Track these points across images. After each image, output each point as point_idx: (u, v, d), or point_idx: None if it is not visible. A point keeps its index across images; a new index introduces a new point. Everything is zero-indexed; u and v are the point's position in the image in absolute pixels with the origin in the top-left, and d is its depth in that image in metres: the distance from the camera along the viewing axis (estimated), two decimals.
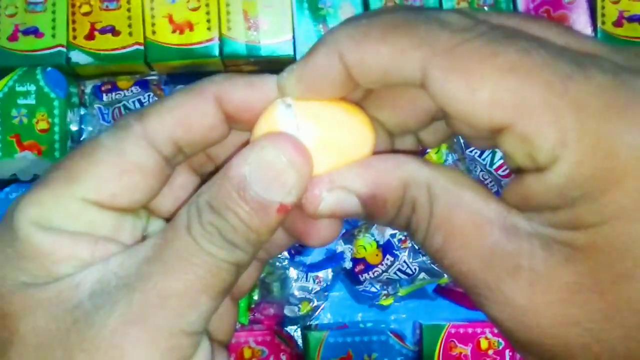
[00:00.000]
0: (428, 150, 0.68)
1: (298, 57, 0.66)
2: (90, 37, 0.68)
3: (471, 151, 0.67)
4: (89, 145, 0.23)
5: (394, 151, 0.25)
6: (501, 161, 0.66)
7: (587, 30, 0.69)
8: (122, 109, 0.68)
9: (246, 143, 0.23)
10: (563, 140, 0.18)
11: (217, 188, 0.21)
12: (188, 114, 0.23)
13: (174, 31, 0.68)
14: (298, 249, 0.67)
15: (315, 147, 0.22)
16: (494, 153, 0.66)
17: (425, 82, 0.19)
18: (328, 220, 0.24)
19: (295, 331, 0.70)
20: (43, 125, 0.66)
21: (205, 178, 0.23)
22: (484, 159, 0.67)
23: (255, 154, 0.21)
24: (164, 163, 0.23)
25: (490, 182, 0.67)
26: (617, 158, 0.17)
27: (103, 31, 0.68)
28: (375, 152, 0.23)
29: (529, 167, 0.19)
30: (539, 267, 0.19)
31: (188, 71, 0.69)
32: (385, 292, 0.68)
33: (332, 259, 0.68)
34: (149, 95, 0.68)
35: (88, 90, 0.69)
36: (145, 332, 0.20)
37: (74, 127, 0.68)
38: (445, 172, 0.21)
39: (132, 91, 0.68)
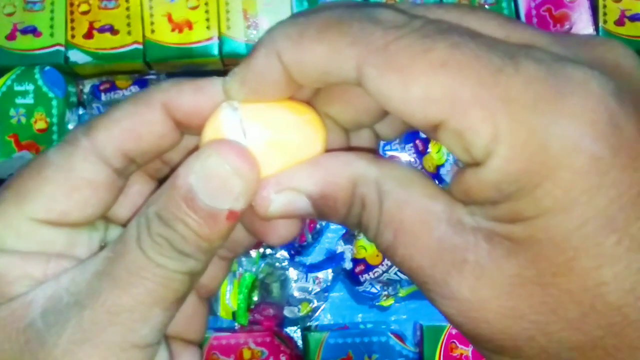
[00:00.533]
0: (429, 150, 0.68)
1: None
2: (88, 36, 0.67)
3: None
4: (37, 163, 0.23)
5: (350, 148, 0.24)
6: None
7: (589, 29, 0.69)
8: None
9: (197, 147, 0.22)
10: (495, 135, 0.18)
11: (165, 198, 0.21)
12: (136, 125, 0.23)
13: (173, 30, 0.67)
14: (298, 250, 0.67)
15: (264, 149, 0.22)
16: None
17: (361, 80, 0.19)
18: (284, 220, 0.24)
19: (295, 332, 0.69)
20: (41, 124, 0.66)
21: (162, 182, 0.23)
22: None
23: (200, 163, 0.21)
24: (115, 175, 0.23)
25: None
26: (548, 151, 0.17)
27: (102, 30, 0.68)
28: (330, 150, 0.23)
29: (468, 161, 0.19)
30: (483, 261, 0.19)
31: (187, 70, 0.69)
32: (386, 292, 0.67)
33: (332, 259, 0.68)
34: None
35: (86, 89, 0.69)
36: (96, 349, 0.20)
37: (72, 127, 0.68)
38: (395, 169, 0.21)
39: (130, 90, 0.68)
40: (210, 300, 0.27)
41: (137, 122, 0.23)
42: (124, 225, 0.25)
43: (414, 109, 0.19)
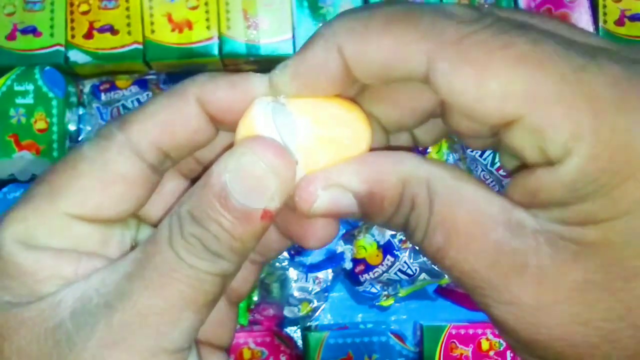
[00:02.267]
0: (429, 150, 0.67)
1: None
2: (88, 36, 0.67)
3: (472, 151, 0.67)
4: (72, 158, 0.22)
5: (390, 148, 0.24)
6: None
7: (589, 29, 0.69)
8: (120, 108, 0.67)
9: (232, 145, 0.22)
10: (576, 133, 0.17)
11: (198, 197, 0.21)
12: (171, 119, 0.22)
13: (173, 30, 0.67)
14: (298, 250, 0.67)
15: (312, 144, 0.22)
16: (494, 153, 0.66)
17: (430, 75, 0.19)
18: (324, 220, 0.23)
19: (295, 332, 0.69)
20: (41, 124, 0.66)
21: (195, 182, 0.23)
22: (485, 159, 0.66)
23: (234, 161, 0.20)
24: (149, 171, 0.23)
25: (492, 182, 0.67)
26: (632, 151, 0.17)
27: (102, 30, 0.68)
28: (372, 149, 0.22)
29: (538, 161, 0.18)
30: (546, 265, 0.18)
31: (187, 70, 0.69)
32: (386, 292, 0.67)
33: (332, 259, 0.68)
34: (147, 95, 0.68)
35: (86, 89, 0.69)
36: (125, 354, 0.20)
37: (72, 127, 0.68)
38: (446, 169, 0.21)
39: (130, 90, 0.68)
40: (238, 307, 0.27)
41: (171, 116, 0.22)
42: (156, 225, 0.25)
43: (489, 105, 0.18)
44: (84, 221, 0.22)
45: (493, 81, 0.18)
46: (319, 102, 0.22)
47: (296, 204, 0.21)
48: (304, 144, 0.21)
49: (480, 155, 0.66)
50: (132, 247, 0.23)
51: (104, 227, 0.22)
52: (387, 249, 0.66)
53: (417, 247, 0.21)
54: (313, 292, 0.66)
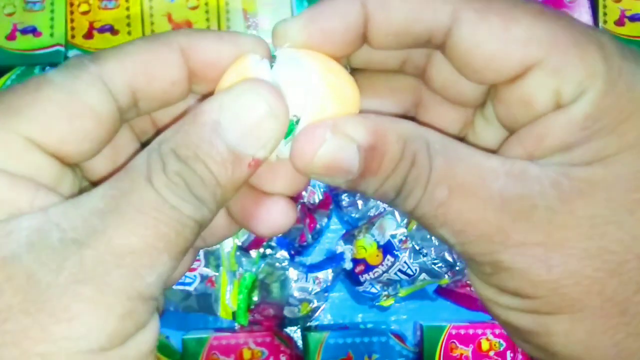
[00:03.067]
0: None
1: None
2: (88, 36, 0.67)
3: None
4: (35, 81, 0.20)
5: None
6: None
7: None
8: None
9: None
10: (591, 72, 0.19)
11: (185, 135, 0.19)
12: (151, 62, 0.20)
13: (173, 30, 0.67)
14: (298, 250, 0.67)
15: (324, 91, 0.21)
16: None
17: (454, 26, 0.20)
18: (282, 203, 0.22)
19: (295, 332, 0.69)
20: None
21: (145, 146, 0.21)
22: None
23: (232, 99, 0.19)
24: (117, 114, 0.20)
25: None
26: (635, 91, 0.19)
27: (102, 30, 0.68)
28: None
29: (548, 107, 0.20)
30: (554, 205, 0.19)
31: None
32: (386, 292, 0.67)
33: (332, 259, 0.68)
34: None
35: None
36: (100, 293, 0.18)
37: None
38: (441, 134, 0.21)
39: None
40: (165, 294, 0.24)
41: (152, 60, 0.21)
42: (96, 182, 0.22)
43: (513, 49, 0.19)
44: (44, 152, 0.20)
45: (518, 27, 0.19)
46: (322, 56, 0.21)
47: (294, 154, 0.20)
48: (315, 91, 0.21)
49: None
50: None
51: (60, 165, 0.20)
52: (387, 249, 0.66)
53: (406, 211, 0.21)
54: (313, 292, 0.66)
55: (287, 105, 0.20)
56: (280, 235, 0.25)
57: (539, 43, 0.19)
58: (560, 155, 0.20)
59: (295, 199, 0.65)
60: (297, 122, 0.21)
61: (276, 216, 0.22)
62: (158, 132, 0.23)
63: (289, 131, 0.21)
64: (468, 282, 0.67)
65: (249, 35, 0.22)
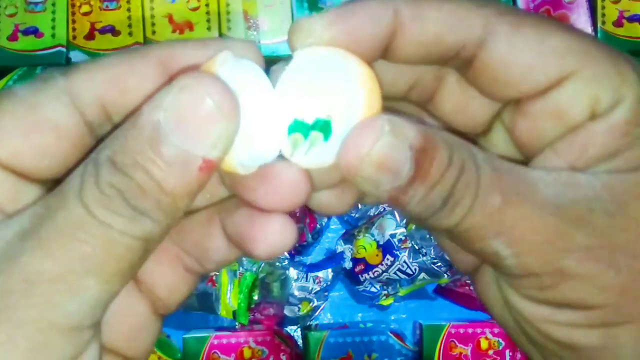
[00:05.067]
0: None
1: None
2: (90, 37, 0.67)
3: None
4: None
5: None
6: None
7: (588, 30, 0.69)
8: None
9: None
10: (626, 80, 0.20)
11: (123, 140, 0.17)
12: (123, 75, 0.19)
13: (174, 31, 0.67)
14: (298, 249, 0.67)
15: (362, 91, 0.19)
16: None
17: (487, 39, 0.20)
18: (278, 220, 0.20)
19: (295, 331, 0.70)
20: None
21: None
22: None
23: (172, 97, 0.17)
24: (85, 129, 0.19)
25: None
26: None
27: (103, 31, 0.68)
28: None
29: (584, 117, 0.20)
30: (610, 208, 0.19)
31: None
32: (385, 292, 0.67)
33: (332, 259, 0.68)
34: None
35: None
36: (3, 327, 0.16)
37: None
38: (477, 148, 0.21)
39: None
40: (163, 319, 0.23)
41: (125, 73, 0.19)
42: None
43: (550, 60, 0.20)
44: None
45: (552, 39, 0.20)
46: (355, 56, 0.20)
47: (346, 150, 0.19)
48: (354, 90, 0.19)
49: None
50: None
51: (18, 182, 0.19)
52: (386, 248, 0.66)
53: (450, 225, 0.19)
54: (313, 292, 0.66)
55: (237, 101, 0.18)
56: (279, 256, 0.22)
57: (574, 54, 0.20)
58: (605, 163, 0.20)
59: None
60: (329, 123, 0.20)
61: (273, 236, 0.20)
62: None
63: (324, 130, 0.20)
64: (467, 281, 0.67)
65: (238, 40, 0.20)
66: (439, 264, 0.65)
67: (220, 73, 0.18)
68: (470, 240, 0.20)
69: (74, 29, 0.68)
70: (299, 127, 0.20)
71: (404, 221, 0.66)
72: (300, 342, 0.69)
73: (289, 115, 0.20)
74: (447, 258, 0.65)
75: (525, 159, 0.22)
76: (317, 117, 0.20)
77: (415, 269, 0.65)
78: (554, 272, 0.19)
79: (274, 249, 0.20)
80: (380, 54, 0.20)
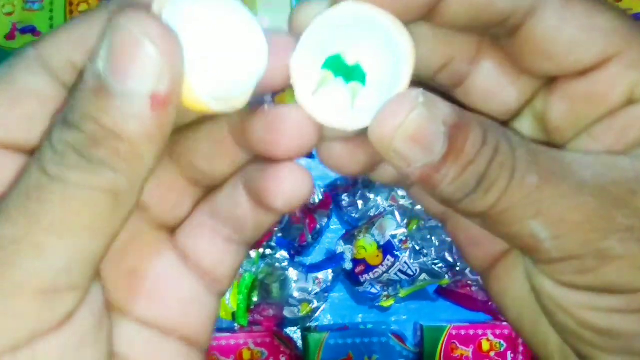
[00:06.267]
0: None
1: None
2: None
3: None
4: None
5: None
6: None
7: None
8: None
9: None
10: None
11: (72, 99, 0.17)
12: (86, 34, 0.18)
13: None
14: (298, 250, 0.67)
15: (412, 61, 0.19)
16: None
17: (537, 9, 0.19)
18: (290, 168, 0.20)
19: (295, 333, 0.69)
20: None
21: None
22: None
23: (107, 42, 0.16)
24: (65, 91, 0.19)
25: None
26: None
27: None
28: None
29: (622, 101, 0.20)
30: None
31: None
32: (386, 293, 0.67)
33: (332, 259, 0.67)
34: None
35: None
36: None
37: None
38: (506, 128, 0.20)
39: None
40: (220, 298, 0.23)
41: (88, 32, 0.18)
42: None
43: (596, 37, 0.19)
44: None
45: (601, 17, 0.19)
46: (394, 17, 0.19)
47: (379, 120, 0.18)
48: (407, 58, 0.19)
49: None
50: None
51: (6, 154, 0.19)
52: (387, 249, 0.65)
53: (484, 208, 0.19)
54: (313, 293, 0.66)
55: (174, 33, 0.17)
56: (298, 208, 0.21)
57: (620, 35, 0.19)
58: None
59: None
60: (364, 78, 0.19)
61: (287, 184, 0.20)
62: None
63: (346, 73, 0.19)
64: (469, 282, 0.67)
65: None
66: (440, 264, 0.65)
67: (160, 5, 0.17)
68: (506, 223, 0.19)
69: None
70: (336, 65, 0.20)
71: (405, 222, 0.65)
72: (300, 343, 0.68)
73: (319, 53, 0.19)
74: (449, 259, 0.65)
75: (556, 146, 0.21)
76: (359, 62, 0.19)
77: (416, 270, 0.65)
78: (594, 254, 0.19)
79: (291, 199, 0.20)
80: (423, 14, 0.19)
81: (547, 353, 0.22)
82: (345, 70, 0.20)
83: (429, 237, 0.64)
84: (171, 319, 0.21)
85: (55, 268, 0.17)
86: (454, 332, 0.66)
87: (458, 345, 0.66)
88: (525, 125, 0.22)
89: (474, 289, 0.67)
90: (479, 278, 0.70)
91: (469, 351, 0.66)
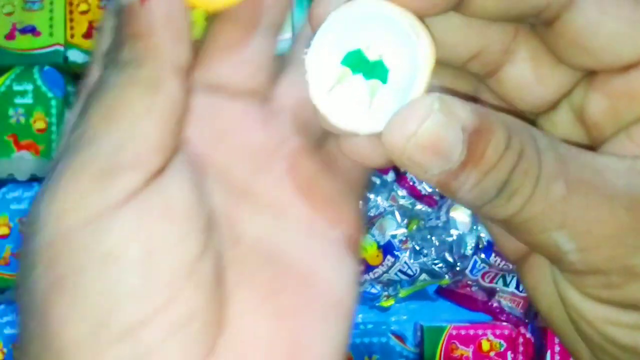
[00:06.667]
0: None
1: None
2: (88, 35, 0.67)
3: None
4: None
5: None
6: None
7: None
8: None
9: None
10: None
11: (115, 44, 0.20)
12: None
13: None
14: None
15: (430, 67, 0.18)
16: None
17: (571, 1, 0.18)
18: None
19: None
20: (40, 124, 0.65)
21: None
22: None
23: None
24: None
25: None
26: None
27: None
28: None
29: None
30: None
31: None
32: (386, 293, 0.67)
33: None
34: None
35: None
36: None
37: None
38: (538, 130, 0.19)
39: None
40: None
41: None
42: None
43: (635, 35, 0.18)
44: None
45: None
46: (413, 16, 0.18)
47: (391, 127, 0.18)
48: (425, 63, 0.18)
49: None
50: None
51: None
52: (387, 249, 0.65)
53: (507, 215, 0.18)
54: None
55: None
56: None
57: None
58: None
59: None
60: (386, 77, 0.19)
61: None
62: None
63: (366, 70, 0.19)
64: (469, 282, 0.66)
65: None
66: (440, 264, 0.65)
67: None
68: (529, 232, 0.18)
69: (71, 28, 0.67)
70: (356, 60, 0.19)
71: (405, 222, 0.65)
72: None
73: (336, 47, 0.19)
74: (449, 259, 0.64)
75: (593, 144, 0.20)
76: (381, 58, 0.19)
77: (416, 270, 0.65)
78: (621, 270, 0.18)
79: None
80: (454, 6, 0.18)
81: (577, 353, 0.21)
82: (366, 67, 0.19)
83: (429, 237, 0.64)
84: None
85: (109, 151, 0.18)
86: (454, 332, 0.66)
87: (458, 345, 0.66)
88: (563, 118, 0.21)
89: (474, 289, 0.67)
90: (479, 278, 0.70)
91: (469, 351, 0.66)
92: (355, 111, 0.19)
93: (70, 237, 0.18)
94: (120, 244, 0.18)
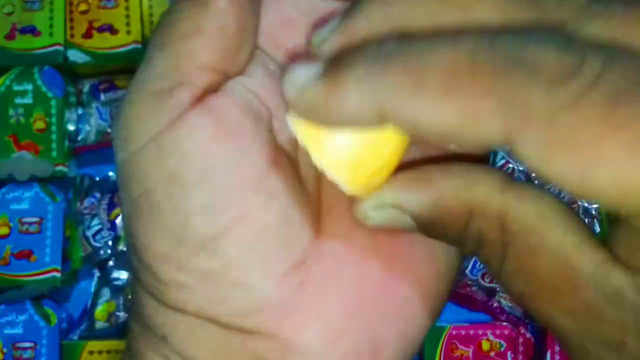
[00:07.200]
0: None
1: None
2: (88, 35, 0.67)
3: None
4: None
5: (459, 157, 0.19)
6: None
7: None
8: None
9: None
10: None
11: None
12: None
13: None
14: None
15: (358, 146, 0.18)
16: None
17: (511, 147, 0.15)
18: None
19: None
20: (40, 124, 0.65)
21: None
22: None
23: None
24: None
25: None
26: None
27: (101, 30, 0.67)
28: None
29: None
30: None
31: None
32: None
33: None
34: None
35: (86, 89, 0.68)
36: None
37: (71, 127, 0.67)
38: (529, 201, 0.17)
39: None
40: None
41: None
42: None
43: (599, 194, 0.14)
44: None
45: (604, 170, 0.14)
46: None
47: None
48: (351, 146, 0.18)
49: None
50: None
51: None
52: None
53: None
54: None
55: None
56: None
57: (634, 196, 0.14)
58: None
59: None
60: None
61: None
62: None
63: None
64: (469, 282, 0.66)
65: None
66: None
67: None
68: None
69: (71, 28, 0.67)
70: None
71: None
72: None
73: None
74: None
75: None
76: None
77: None
78: None
79: None
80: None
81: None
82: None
83: None
84: None
85: (160, 72, 0.19)
86: (454, 332, 0.66)
87: (458, 345, 0.66)
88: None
89: (474, 289, 0.67)
90: (479, 278, 0.70)
91: (469, 351, 0.66)
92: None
93: (135, 160, 0.18)
94: (178, 164, 0.18)
